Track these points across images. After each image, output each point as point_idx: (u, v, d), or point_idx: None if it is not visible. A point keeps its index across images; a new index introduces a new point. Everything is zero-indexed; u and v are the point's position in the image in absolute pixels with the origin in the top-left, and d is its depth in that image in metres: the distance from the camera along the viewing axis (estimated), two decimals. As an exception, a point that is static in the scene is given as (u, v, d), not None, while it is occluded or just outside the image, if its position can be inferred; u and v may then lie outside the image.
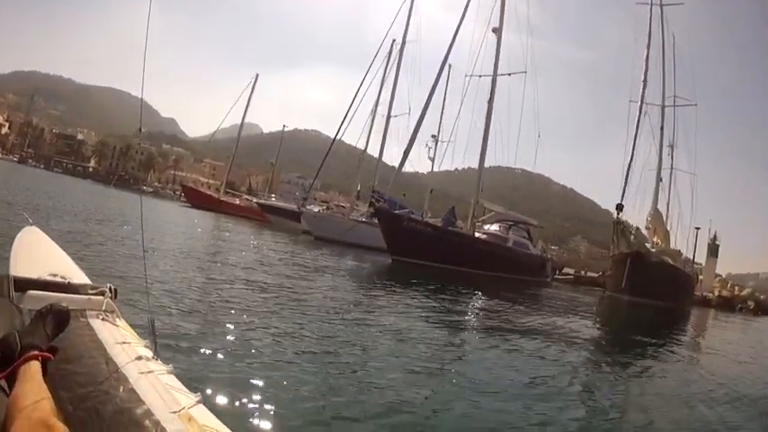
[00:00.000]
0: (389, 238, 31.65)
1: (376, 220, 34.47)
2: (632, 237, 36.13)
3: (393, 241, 31.49)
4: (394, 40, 53.21)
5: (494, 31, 40.41)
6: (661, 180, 44.41)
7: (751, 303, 57.85)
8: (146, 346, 2.37)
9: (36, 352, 1.98)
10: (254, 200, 70.18)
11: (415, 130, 36.10)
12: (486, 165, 42.24)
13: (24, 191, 29.02)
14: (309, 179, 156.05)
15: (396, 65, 53.09)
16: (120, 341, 2.31)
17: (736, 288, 65.16)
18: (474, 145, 42.53)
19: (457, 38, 35.56)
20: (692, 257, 57.15)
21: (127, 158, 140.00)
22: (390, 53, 53.37)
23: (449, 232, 35.19)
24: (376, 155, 54.33)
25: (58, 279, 2.80)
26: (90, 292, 2.70)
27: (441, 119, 57.46)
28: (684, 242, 51.69)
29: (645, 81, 40.64)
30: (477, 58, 40.13)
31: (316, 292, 13.14)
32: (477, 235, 38.25)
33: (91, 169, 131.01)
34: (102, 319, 2.53)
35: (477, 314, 15.96)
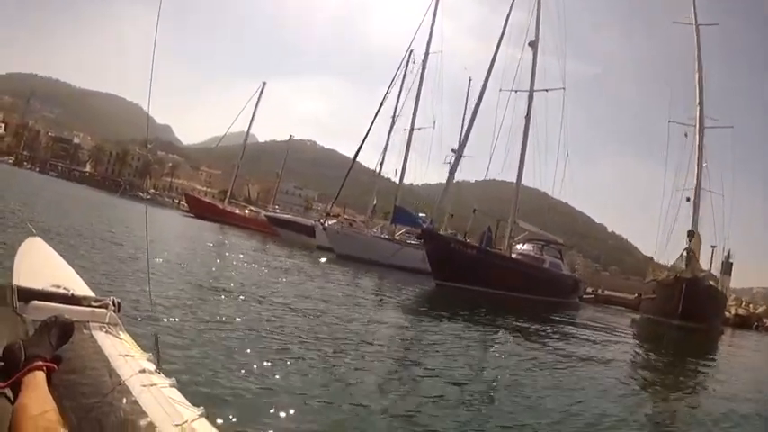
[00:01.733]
0: (435, 262, 29.74)
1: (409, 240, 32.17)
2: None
3: (439, 265, 29.56)
4: (412, 51, 50.74)
5: (530, 44, 38.64)
6: (688, 199, 41.91)
7: (767, 321, 57.86)
8: (149, 360, 2.33)
9: (41, 362, 2.01)
10: (262, 212, 66.72)
11: (460, 146, 35.29)
12: (484, 178, 41.87)
13: (25, 197, 28.44)
14: (307, 190, 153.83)
15: (419, 76, 50.26)
16: (124, 354, 2.30)
17: (751, 306, 64.59)
18: (486, 158, 40.68)
19: (480, 52, 33.85)
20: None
21: (123, 164, 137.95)
22: (407, 64, 50.55)
23: (492, 254, 33.56)
24: (388, 169, 51.92)
25: (61, 290, 2.76)
26: (93, 304, 2.68)
27: (461, 132, 54.39)
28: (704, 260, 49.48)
29: (701, 103, 39.36)
30: (517, 71, 38.61)
31: (355, 321, 12.06)
32: (514, 256, 36.48)
33: (87, 174, 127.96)
34: (106, 332, 2.52)
35: (543, 347, 13.96)
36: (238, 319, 9.12)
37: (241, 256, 25.04)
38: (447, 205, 43.19)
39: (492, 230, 38.94)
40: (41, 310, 2.45)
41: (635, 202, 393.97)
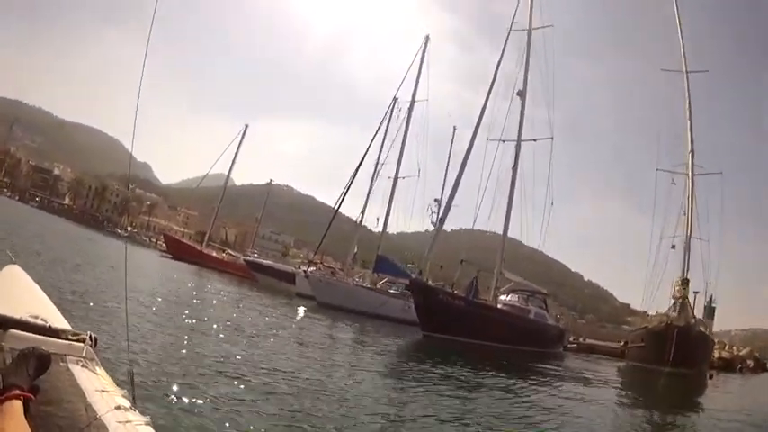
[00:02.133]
0: (423, 313, 29.60)
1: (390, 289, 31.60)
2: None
3: (426, 315, 29.43)
4: (396, 99, 51.11)
5: (518, 94, 38.85)
6: (673, 247, 42.68)
7: (750, 362, 58.48)
8: (124, 396, 2.33)
9: (18, 391, 2.00)
10: (241, 256, 65.82)
11: (450, 197, 34.82)
12: (471, 227, 41.42)
13: (4, 225, 29.26)
14: (284, 235, 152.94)
15: (405, 124, 50.42)
16: (100, 389, 2.29)
17: (734, 348, 65.23)
18: (468, 208, 40.57)
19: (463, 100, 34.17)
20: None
21: (102, 200, 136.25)
22: (391, 112, 50.99)
23: (478, 305, 33.50)
24: (369, 217, 51.39)
25: (39, 321, 2.67)
26: (71, 337, 2.62)
27: (444, 181, 54.22)
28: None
29: (692, 151, 39.69)
30: (505, 122, 38.94)
31: (342, 372, 12.33)
32: (499, 306, 36.44)
33: (65, 206, 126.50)
34: (82, 366, 2.48)
35: (541, 406, 13.57)
36: (214, 361, 9.21)
37: (221, 298, 25.37)
38: (433, 255, 43.21)
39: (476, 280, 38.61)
40: (19, 339, 2.41)
41: (614, 248, 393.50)
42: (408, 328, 31.58)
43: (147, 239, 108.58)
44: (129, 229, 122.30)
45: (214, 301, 22.73)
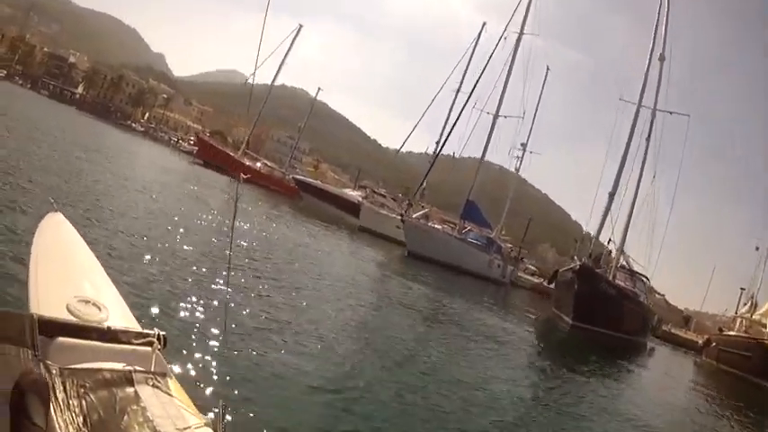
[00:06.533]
0: (582, 302, 24.08)
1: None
2: None
3: (584, 305, 24.01)
4: (485, 23, 45.12)
5: (659, 59, 31.26)
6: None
7: None
8: (210, 427, 1.85)
9: None
10: (277, 169, 58.48)
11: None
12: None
13: (34, 130, 22.91)
14: (302, 142, 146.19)
15: (511, 57, 41.31)
16: (182, 427, 1.78)
17: None
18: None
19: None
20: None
21: (117, 90, 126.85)
22: (478, 39, 44.65)
23: (621, 294, 27.55)
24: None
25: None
26: (134, 341, 2.09)
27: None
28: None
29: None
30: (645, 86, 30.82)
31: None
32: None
33: (78, 96, 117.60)
34: (153, 386, 1.96)
35: None
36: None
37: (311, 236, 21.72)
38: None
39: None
40: (70, 352, 1.88)
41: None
42: (497, 288, 28.83)
43: (166, 136, 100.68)
44: (142, 121, 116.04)
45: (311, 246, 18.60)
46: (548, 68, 50.48)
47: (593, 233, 29.61)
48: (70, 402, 1.67)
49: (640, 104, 29.94)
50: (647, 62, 30.39)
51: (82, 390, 1.76)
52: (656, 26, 30.70)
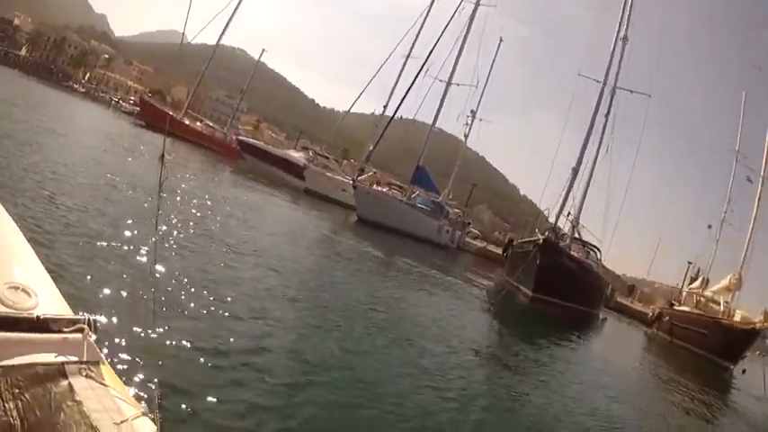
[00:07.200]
0: (543, 274, 24.26)
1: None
2: None
3: (545, 277, 24.23)
4: None
5: (622, 40, 30.92)
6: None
7: None
8: (145, 415, 1.64)
9: None
10: (219, 130, 56.79)
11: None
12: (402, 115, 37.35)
13: None
14: (236, 99, 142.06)
15: (466, 26, 40.36)
16: (119, 420, 1.57)
17: None
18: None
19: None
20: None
21: (59, 52, 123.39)
22: (430, 7, 42.70)
23: (580, 266, 27.94)
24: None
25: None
26: (65, 330, 1.85)
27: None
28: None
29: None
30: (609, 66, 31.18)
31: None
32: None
33: (20, 57, 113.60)
34: (87, 376, 1.73)
35: None
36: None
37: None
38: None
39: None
40: (1, 347, 1.67)
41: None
42: (445, 253, 28.98)
43: (107, 97, 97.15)
44: (83, 82, 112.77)
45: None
46: (501, 39, 49.75)
47: (550, 207, 29.93)
48: (6, 406, 1.45)
49: (605, 83, 30.11)
50: (614, 41, 30.49)
51: (17, 390, 1.52)
52: (623, 7, 30.70)
